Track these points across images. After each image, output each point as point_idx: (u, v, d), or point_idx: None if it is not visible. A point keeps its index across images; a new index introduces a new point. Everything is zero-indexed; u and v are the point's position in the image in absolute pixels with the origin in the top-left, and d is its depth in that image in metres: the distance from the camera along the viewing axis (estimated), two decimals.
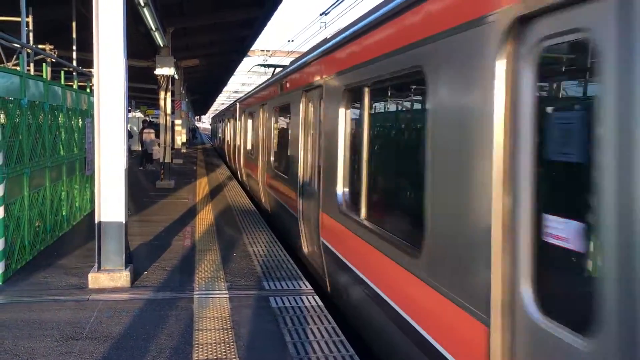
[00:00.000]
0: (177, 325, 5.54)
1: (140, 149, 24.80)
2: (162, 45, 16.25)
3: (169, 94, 17.93)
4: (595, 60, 2.44)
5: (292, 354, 4.89)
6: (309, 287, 6.90)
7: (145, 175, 20.04)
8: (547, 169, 2.90)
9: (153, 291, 6.63)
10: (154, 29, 13.61)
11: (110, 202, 6.79)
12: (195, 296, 6.46)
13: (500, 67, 3.04)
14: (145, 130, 23.43)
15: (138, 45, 16.89)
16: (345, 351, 4.98)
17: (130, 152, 22.96)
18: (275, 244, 9.29)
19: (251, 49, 27.70)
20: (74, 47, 13.71)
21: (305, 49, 33.75)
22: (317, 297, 6.49)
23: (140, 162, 23.45)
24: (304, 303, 6.27)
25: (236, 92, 67.47)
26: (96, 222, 6.80)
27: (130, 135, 16.21)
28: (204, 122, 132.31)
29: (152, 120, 29.51)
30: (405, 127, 5.50)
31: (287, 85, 10.25)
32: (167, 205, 13.36)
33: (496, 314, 3.06)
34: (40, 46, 12.89)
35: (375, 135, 5.77)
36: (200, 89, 44.87)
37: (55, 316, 5.72)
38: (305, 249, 8.50)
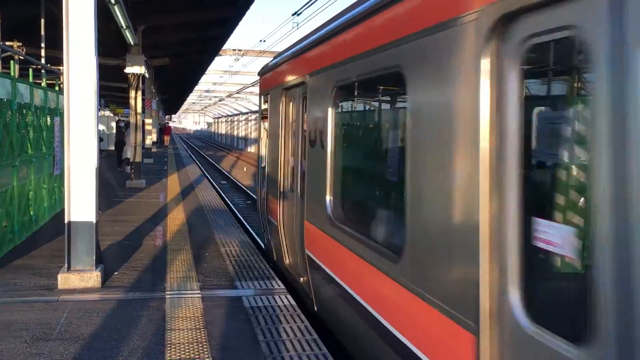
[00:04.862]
0: (149, 326, 5.51)
1: (114, 149, 24.48)
2: (132, 43, 16.10)
3: (139, 92, 17.76)
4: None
5: (265, 353, 4.92)
6: (282, 286, 6.93)
7: (116, 175, 19.79)
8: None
9: (124, 291, 6.58)
10: (124, 27, 13.49)
11: (81, 202, 6.72)
12: (167, 296, 6.43)
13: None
14: (126, 132, 23.13)
15: (108, 43, 16.68)
16: (318, 349, 5.03)
17: (100, 152, 22.68)
18: (247, 244, 9.29)
19: (223, 48, 27.61)
20: (43, 45, 13.49)
21: (278, 49, 32.89)
22: (289, 297, 6.52)
23: (118, 164, 23.15)
24: (276, 302, 6.30)
25: (207, 91, 66.85)
26: (66, 221, 6.72)
27: (100, 139, 15.65)
28: (174, 122, 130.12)
29: (123, 119, 29.15)
30: None
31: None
32: (138, 205, 13.23)
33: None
34: (7, 43, 12.65)
35: None
36: (171, 88, 44.41)
37: (24, 317, 5.64)
38: None
